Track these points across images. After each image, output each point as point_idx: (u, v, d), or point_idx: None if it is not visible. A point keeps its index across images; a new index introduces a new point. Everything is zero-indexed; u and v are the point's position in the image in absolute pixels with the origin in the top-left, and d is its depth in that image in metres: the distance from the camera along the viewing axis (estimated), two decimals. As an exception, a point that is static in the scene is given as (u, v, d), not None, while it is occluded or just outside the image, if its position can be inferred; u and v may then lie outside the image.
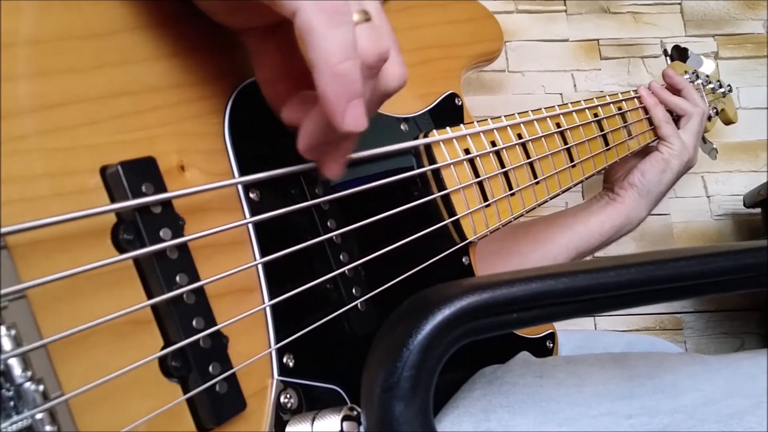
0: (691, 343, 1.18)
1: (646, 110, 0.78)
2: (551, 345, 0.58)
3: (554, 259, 0.70)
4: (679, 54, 0.94)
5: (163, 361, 0.31)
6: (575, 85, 1.25)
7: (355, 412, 0.33)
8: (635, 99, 0.77)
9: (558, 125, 0.60)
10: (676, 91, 0.81)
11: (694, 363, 0.43)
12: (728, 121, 0.96)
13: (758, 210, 1.12)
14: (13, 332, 0.26)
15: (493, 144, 0.53)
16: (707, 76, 0.93)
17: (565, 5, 1.27)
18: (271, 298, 0.36)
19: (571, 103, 0.64)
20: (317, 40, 0.29)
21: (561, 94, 1.24)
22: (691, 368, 0.42)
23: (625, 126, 0.72)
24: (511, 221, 0.54)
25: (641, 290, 0.31)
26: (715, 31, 1.30)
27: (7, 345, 0.25)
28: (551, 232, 0.72)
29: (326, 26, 0.29)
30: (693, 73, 0.90)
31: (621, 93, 0.74)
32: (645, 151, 0.80)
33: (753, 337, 1.19)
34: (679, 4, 1.30)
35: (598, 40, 1.27)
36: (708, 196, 1.23)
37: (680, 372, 0.42)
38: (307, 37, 0.29)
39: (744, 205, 1.15)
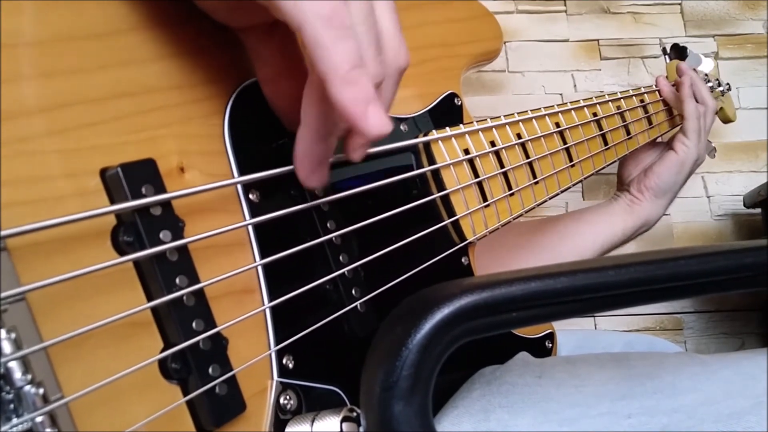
0: (691, 343, 1.18)
1: (646, 106, 0.78)
2: (550, 345, 0.58)
3: (582, 254, 0.72)
4: (678, 53, 0.94)
5: (163, 363, 0.31)
6: (575, 86, 1.25)
7: (354, 414, 0.33)
8: (645, 95, 0.78)
9: (557, 125, 0.60)
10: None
11: (694, 363, 0.43)
12: (727, 120, 0.96)
13: (758, 210, 1.12)
14: (13, 335, 0.26)
15: (493, 144, 0.53)
16: (706, 74, 0.93)
17: (565, 5, 1.27)
18: (270, 299, 0.36)
19: (570, 102, 0.64)
20: (325, 54, 0.29)
21: (561, 94, 1.24)
22: (690, 368, 0.42)
23: (625, 125, 0.72)
24: (510, 221, 0.54)
25: (641, 290, 0.31)
26: (715, 31, 1.30)
27: (7, 348, 0.25)
28: (579, 228, 0.74)
29: (333, 40, 0.29)
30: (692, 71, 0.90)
31: (620, 92, 0.74)
32: (656, 148, 0.81)
33: (753, 337, 1.19)
34: (679, 4, 1.30)
35: (598, 40, 1.27)
36: (708, 197, 1.23)
37: (680, 372, 0.42)
38: (315, 51, 0.30)
39: (744, 206, 1.15)
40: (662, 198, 0.77)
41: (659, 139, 0.83)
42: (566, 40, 1.26)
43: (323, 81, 0.30)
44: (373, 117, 0.30)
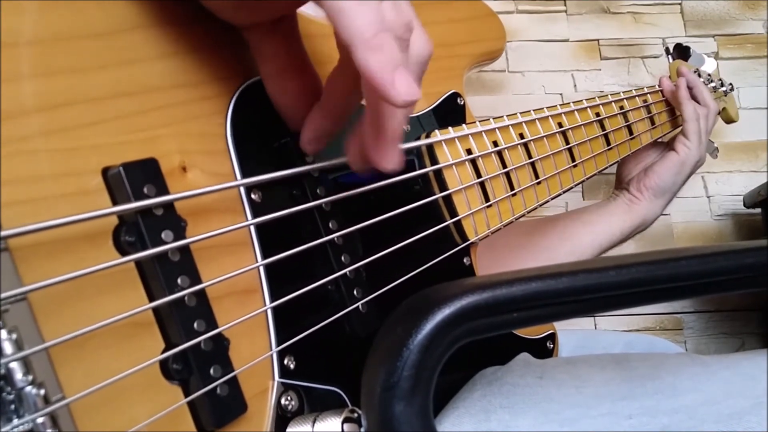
0: (691, 343, 1.18)
1: (649, 107, 0.78)
2: (551, 346, 0.58)
3: (581, 255, 0.72)
4: (681, 53, 0.94)
5: (164, 364, 0.31)
6: (575, 85, 1.25)
7: (355, 414, 0.33)
8: (648, 95, 0.78)
9: (560, 125, 0.60)
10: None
11: (694, 364, 0.43)
12: (729, 120, 0.96)
13: (758, 210, 1.12)
14: (14, 336, 0.26)
15: (495, 144, 0.53)
16: (709, 74, 0.93)
17: (565, 5, 1.27)
18: (272, 300, 0.36)
19: (573, 102, 0.64)
20: (348, 18, 0.29)
21: (561, 94, 1.24)
22: (691, 369, 0.42)
23: (627, 125, 0.72)
24: (512, 221, 0.54)
25: (641, 290, 0.31)
26: (715, 31, 1.30)
27: (9, 349, 0.25)
28: (577, 229, 0.74)
29: (354, 4, 0.29)
30: (695, 71, 0.90)
31: (623, 92, 0.74)
32: (657, 148, 0.81)
33: (753, 337, 1.19)
34: (679, 4, 1.30)
35: (598, 40, 1.27)
36: (708, 196, 1.23)
37: (680, 373, 0.42)
38: (338, 17, 0.29)
39: (744, 205, 1.15)
40: (661, 198, 0.77)
41: (660, 139, 0.83)
42: (566, 40, 1.26)
43: (349, 49, 0.29)
44: (400, 83, 0.29)
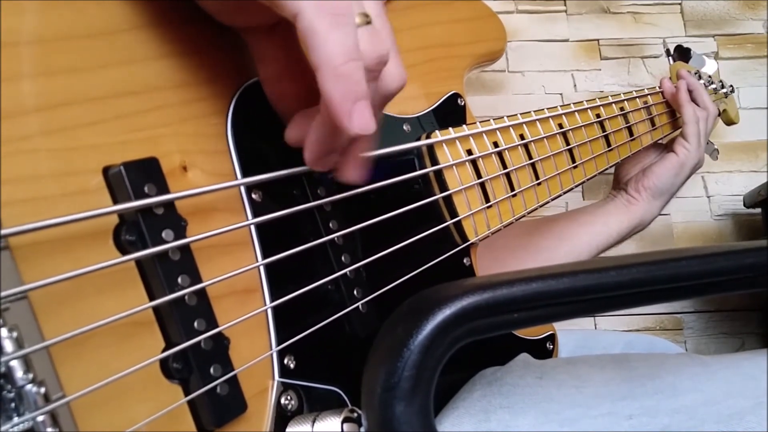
0: (691, 343, 1.18)
1: (649, 108, 0.78)
2: (551, 347, 0.58)
3: (578, 255, 0.72)
4: (682, 54, 0.94)
5: (164, 363, 0.31)
6: (575, 85, 1.25)
7: (355, 414, 0.33)
8: (648, 96, 0.78)
9: (560, 126, 0.60)
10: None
11: (694, 364, 0.43)
12: (730, 122, 0.96)
13: (758, 210, 1.12)
14: (14, 334, 0.26)
15: (496, 145, 0.53)
16: (709, 76, 0.93)
17: (565, 5, 1.27)
18: (272, 299, 0.36)
19: (574, 103, 0.64)
20: (319, 42, 0.29)
21: (561, 94, 1.24)
22: (691, 369, 0.42)
23: (628, 127, 0.72)
24: (512, 222, 0.54)
25: (642, 290, 0.31)
26: (715, 31, 1.30)
27: (9, 347, 0.25)
28: (575, 230, 0.74)
29: (328, 28, 0.29)
30: (695, 73, 0.90)
31: (623, 93, 0.74)
32: (656, 149, 0.81)
33: (753, 337, 1.19)
34: (679, 4, 1.30)
35: (598, 40, 1.27)
36: (708, 196, 1.23)
37: (680, 373, 0.42)
38: (310, 39, 0.29)
39: (744, 205, 1.15)
40: (659, 199, 0.78)
41: (659, 141, 0.83)
42: (566, 40, 1.26)
43: (315, 72, 0.29)
44: (357, 116, 0.30)
